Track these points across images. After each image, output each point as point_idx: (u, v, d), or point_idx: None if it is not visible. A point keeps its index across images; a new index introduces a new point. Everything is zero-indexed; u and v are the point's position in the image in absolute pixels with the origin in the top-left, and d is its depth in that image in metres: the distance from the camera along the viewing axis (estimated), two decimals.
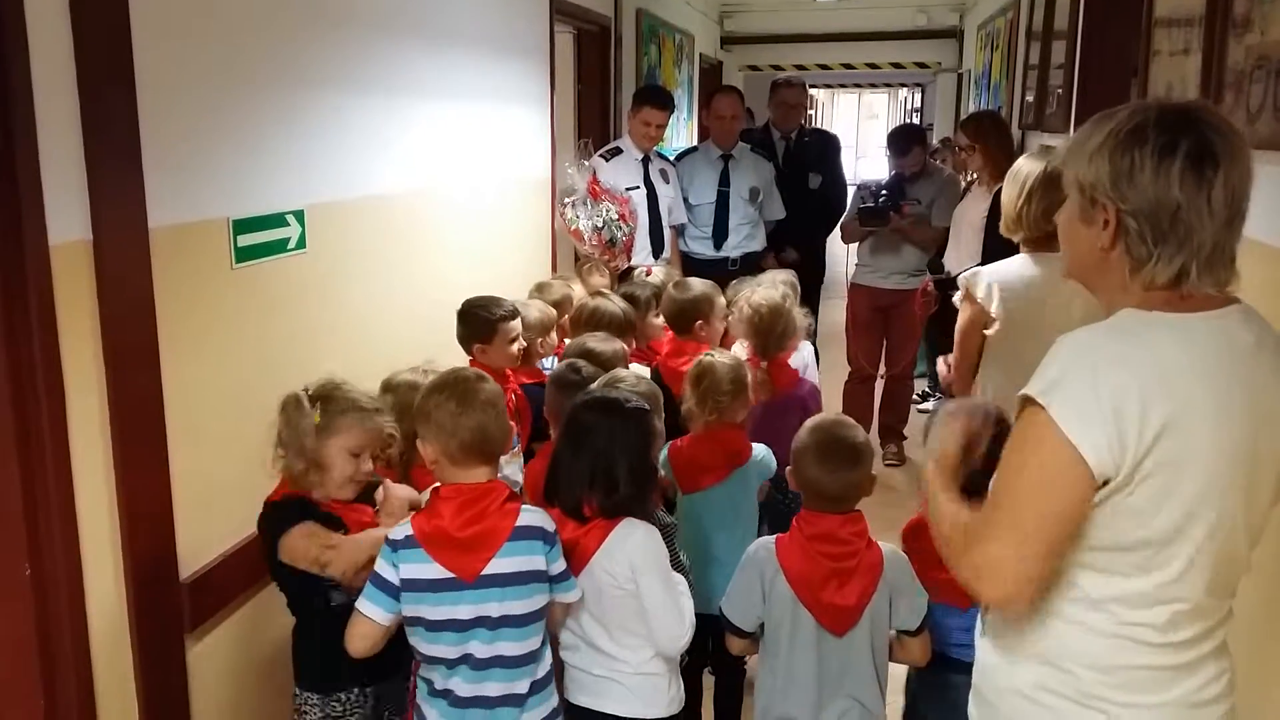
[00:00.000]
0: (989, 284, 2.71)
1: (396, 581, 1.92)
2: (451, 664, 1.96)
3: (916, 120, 15.00)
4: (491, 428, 2.00)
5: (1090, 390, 1.32)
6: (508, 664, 1.96)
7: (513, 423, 2.91)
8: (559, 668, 2.21)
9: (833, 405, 5.36)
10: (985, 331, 2.74)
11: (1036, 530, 1.36)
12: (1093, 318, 1.45)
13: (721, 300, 3.43)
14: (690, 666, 2.59)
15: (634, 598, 2.06)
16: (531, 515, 1.98)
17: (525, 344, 3.12)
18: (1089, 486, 1.34)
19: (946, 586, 2.13)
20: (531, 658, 1.99)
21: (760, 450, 2.73)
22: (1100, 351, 1.35)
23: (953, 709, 2.15)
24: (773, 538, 2.22)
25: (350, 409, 2.12)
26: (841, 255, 5.64)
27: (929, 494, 1.59)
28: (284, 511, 2.09)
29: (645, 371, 3.15)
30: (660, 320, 3.71)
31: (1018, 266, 2.75)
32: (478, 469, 1.99)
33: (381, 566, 1.93)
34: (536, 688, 2.00)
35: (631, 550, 2.06)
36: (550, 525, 1.99)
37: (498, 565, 1.92)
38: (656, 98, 4.91)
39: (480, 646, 1.94)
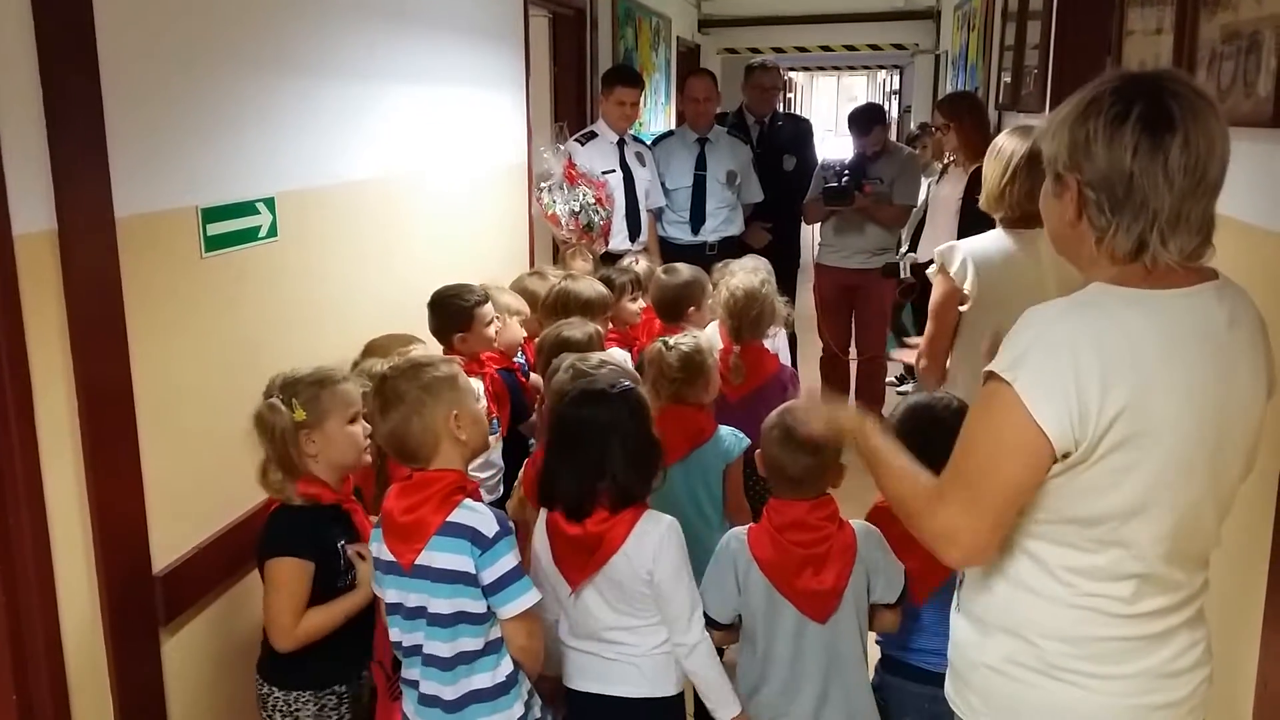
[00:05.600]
0: (964, 258, 2.70)
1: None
2: (407, 652, 1.95)
3: (895, 102, 15.01)
4: (404, 433, 1.93)
5: (1054, 365, 1.33)
6: (437, 664, 1.91)
7: (492, 406, 2.92)
8: (557, 656, 2.20)
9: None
10: (960, 308, 2.74)
11: (991, 499, 1.39)
12: (1068, 293, 1.45)
13: (709, 286, 3.42)
14: None
15: (651, 587, 2.05)
16: (467, 514, 1.88)
17: (500, 326, 3.13)
18: (1047, 459, 1.36)
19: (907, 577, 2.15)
20: (460, 661, 1.90)
21: (725, 433, 2.68)
22: (1066, 326, 1.36)
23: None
24: (745, 528, 2.20)
25: (321, 385, 2.12)
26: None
27: (872, 455, 1.61)
28: (286, 530, 2.09)
29: (625, 356, 3.14)
30: (637, 305, 3.70)
31: (994, 241, 2.74)
32: (431, 456, 1.95)
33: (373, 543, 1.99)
34: (477, 698, 1.92)
35: (656, 543, 2.04)
36: (490, 528, 1.87)
37: (428, 558, 1.87)
38: (626, 76, 4.92)
39: (425, 640, 1.91)
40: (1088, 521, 1.40)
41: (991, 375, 1.38)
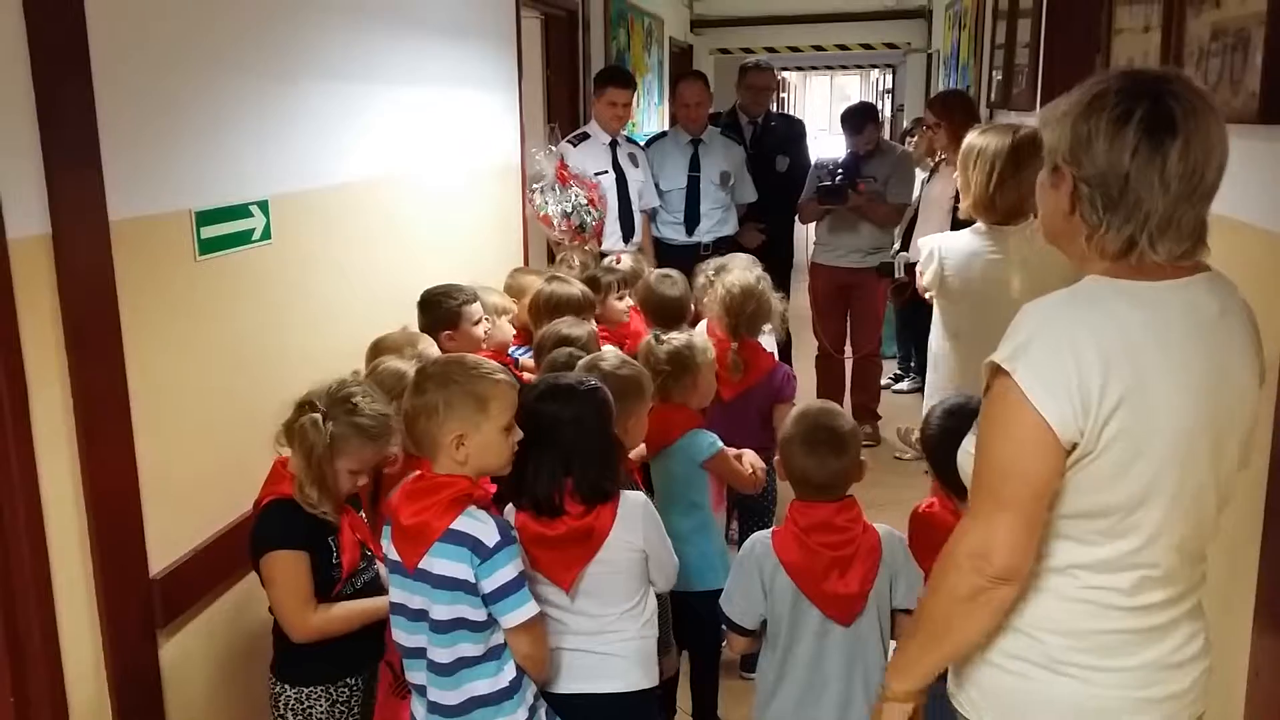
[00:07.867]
0: (931, 251, 2.82)
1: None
2: (410, 653, 1.94)
3: (889, 100, 15.02)
4: (412, 425, 1.92)
5: (1054, 357, 1.34)
6: (437, 669, 1.90)
7: None
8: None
9: (807, 385, 5.39)
10: (925, 296, 2.86)
11: (1015, 500, 1.38)
12: (1032, 294, 1.47)
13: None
14: (663, 646, 2.57)
15: (643, 557, 2.09)
16: (470, 522, 1.86)
17: (490, 325, 3.17)
18: (1059, 453, 1.36)
19: None
20: (460, 666, 1.88)
21: (692, 436, 2.68)
22: (1065, 318, 1.37)
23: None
24: (768, 532, 2.18)
25: (356, 434, 2.09)
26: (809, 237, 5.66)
27: (909, 653, 1.58)
28: (280, 523, 2.07)
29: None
30: (623, 304, 3.70)
31: (964, 240, 2.84)
32: (432, 460, 1.93)
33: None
34: (479, 703, 1.90)
35: (640, 519, 2.08)
36: (491, 538, 1.84)
37: (430, 563, 1.86)
38: (618, 77, 4.94)
39: (428, 644, 1.90)
40: (1094, 514, 1.40)
41: (994, 370, 1.39)
